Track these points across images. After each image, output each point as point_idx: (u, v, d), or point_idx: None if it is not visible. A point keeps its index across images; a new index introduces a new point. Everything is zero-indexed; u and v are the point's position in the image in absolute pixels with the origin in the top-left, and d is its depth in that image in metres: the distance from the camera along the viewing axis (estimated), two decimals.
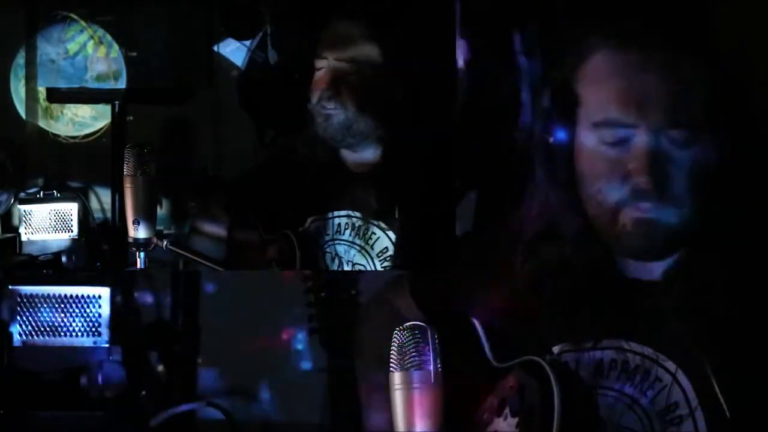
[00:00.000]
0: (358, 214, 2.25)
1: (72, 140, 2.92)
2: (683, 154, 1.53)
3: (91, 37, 2.77)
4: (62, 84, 2.77)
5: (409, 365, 1.44)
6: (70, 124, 2.92)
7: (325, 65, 2.21)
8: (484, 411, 1.61)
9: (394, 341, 1.46)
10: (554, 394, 1.49)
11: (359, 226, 2.24)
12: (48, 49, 2.77)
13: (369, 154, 2.25)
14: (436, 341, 1.45)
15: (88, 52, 2.77)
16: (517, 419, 1.54)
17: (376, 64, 2.17)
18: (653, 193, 1.52)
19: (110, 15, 2.80)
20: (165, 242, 1.99)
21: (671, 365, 1.54)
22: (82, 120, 2.92)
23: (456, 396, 1.52)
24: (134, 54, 2.78)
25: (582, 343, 1.61)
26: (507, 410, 1.57)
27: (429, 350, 1.44)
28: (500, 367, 1.64)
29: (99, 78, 2.76)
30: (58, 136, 2.92)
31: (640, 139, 1.53)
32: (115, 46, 2.78)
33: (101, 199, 2.81)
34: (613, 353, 1.58)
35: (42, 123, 2.91)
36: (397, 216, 2.18)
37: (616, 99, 1.54)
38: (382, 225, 2.21)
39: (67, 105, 2.89)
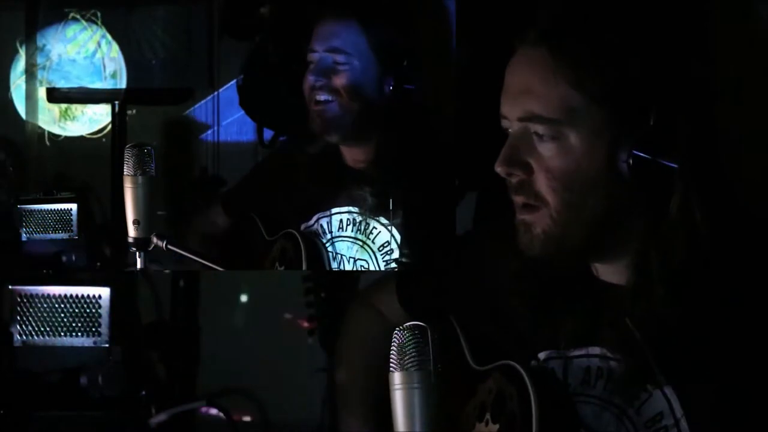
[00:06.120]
0: (357, 209, 2.26)
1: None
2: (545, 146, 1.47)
3: (103, 36, 2.77)
4: (84, 82, 2.77)
5: (409, 365, 1.44)
6: (89, 123, 2.92)
7: (316, 58, 2.22)
8: (466, 415, 1.61)
9: (394, 341, 1.45)
10: (532, 401, 1.49)
11: (359, 222, 2.25)
12: (65, 47, 2.78)
13: (365, 148, 2.26)
14: (436, 341, 1.45)
15: (102, 50, 2.77)
16: (498, 426, 1.54)
17: (365, 55, 2.19)
18: (518, 189, 1.50)
19: (110, 14, 2.81)
20: (165, 242, 1.98)
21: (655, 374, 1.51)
22: (99, 117, 2.92)
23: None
24: (134, 54, 2.78)
25: (568, 350, 1.58)
26: (488, 416, 1.57)
27: (429, 350, 1.44)
28: (480, 370, 1.63)
29: (114, 76, 2.77)
30: (59, 136, 2.92)
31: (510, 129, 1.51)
32: (115, 46, 2.78)
33: (101, 199, 2.81)
34: (599, 361, 1.56)
35: (59, 125, 2.91)
36: (391, 209, 2.20)
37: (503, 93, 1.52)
38: (382, 219, 2.22)
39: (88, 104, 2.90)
